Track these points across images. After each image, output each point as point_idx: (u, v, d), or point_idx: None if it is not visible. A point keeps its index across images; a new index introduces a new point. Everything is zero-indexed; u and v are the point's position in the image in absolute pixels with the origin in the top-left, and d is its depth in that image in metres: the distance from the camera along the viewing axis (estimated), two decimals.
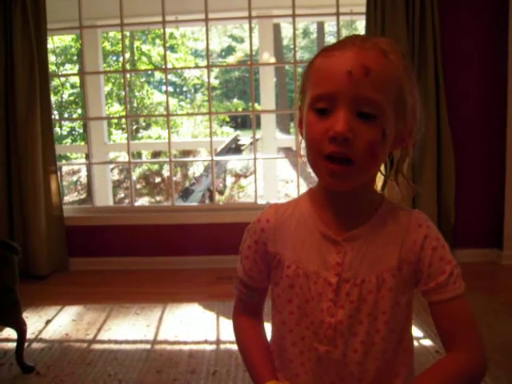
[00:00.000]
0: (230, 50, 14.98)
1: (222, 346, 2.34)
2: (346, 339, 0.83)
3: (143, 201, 8.33)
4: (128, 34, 8.79)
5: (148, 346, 2.38)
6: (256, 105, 4.64)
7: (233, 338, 1.01)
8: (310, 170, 0.94)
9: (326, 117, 0.79)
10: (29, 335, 2.29)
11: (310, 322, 0.86)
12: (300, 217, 0.90)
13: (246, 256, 0.94)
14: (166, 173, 8.43)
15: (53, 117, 3.59)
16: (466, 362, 0.81)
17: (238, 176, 8.89)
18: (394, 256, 0.84)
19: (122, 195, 8.66)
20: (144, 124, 9.88)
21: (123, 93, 4.92)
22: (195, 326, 2.59)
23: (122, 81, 5.22)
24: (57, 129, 8.55)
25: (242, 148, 7.80)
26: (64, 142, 8.89)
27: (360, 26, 10.82)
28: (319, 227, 0.87)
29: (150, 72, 10.82)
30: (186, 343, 2.40)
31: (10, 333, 2.35)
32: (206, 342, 2.40)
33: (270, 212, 0.93)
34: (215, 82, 13.01)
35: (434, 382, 0.79)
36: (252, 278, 0.95)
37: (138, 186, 8.56)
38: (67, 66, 9.54)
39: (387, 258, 0.84)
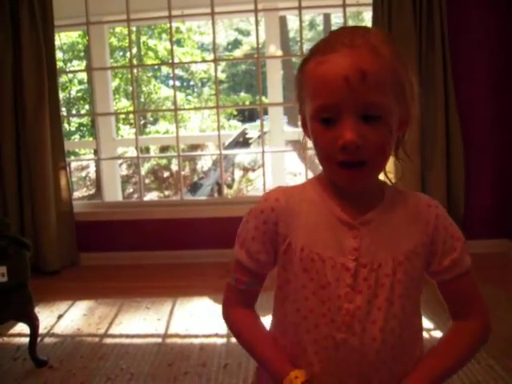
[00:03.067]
0: (236, 44, 14.93)
1: (233, 339, 2.34)
2: (363, 326, 0.82)
3: (152, 195, 8.35)
4: (134, 29, 8.79)
5: (159, 340, 2.40)
6: (263, 98, 4.64)
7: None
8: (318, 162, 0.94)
9: (332, 126, 0.79)
10: (41, 330, 2.31)
11: (326, 308, 0.83)
12: (311, 201, 0.88)
13: (253, 237, 0.89)
14: (174, 167, 8.45)
15: (61, 113, 3.60)
16: (479, 326, 0.89)
17: (246, 169, 8.89)
18: (409, 238, 0.85)
19: (131, 190, 8.69)
20: (152, 119, 9.90)
21: (130, 88, 4.94)
22: (206, 319, 2.60)
23: (129, 76, 5.23)
24: (65, 125, 8.58)
25: (250, 141, 7.80)
26: (72, 137, 8.92)
27: (367, 17, 10.73)
28: (335, 211, 0.85)
29: (156, 67, 10.81)
30: (196, 336, 2.42)
31: (22, 328, 2.37)
32: (216, 335, 2.41)
33: (278, 192, 0.90)
34: (222, 76, 12.98)
35: (460, 348, 0.88)
36: (258, 262, 0.89)
37: (147, 181, 8.58)
38: (74, 62, 9.55)
39: (402, 241, 0.85)
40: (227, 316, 0.96)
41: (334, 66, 0.77)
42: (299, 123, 0.93)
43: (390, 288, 0.83)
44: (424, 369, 0.85)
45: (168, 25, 3.89)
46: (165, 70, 10.62)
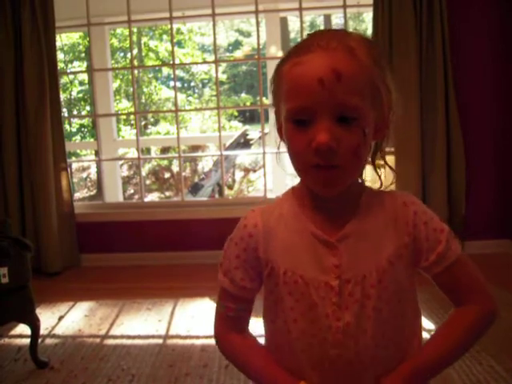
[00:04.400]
0: (237, 45, 14.93)
1: None
2: (356, 339, 0.81)
3: (153, 196, 8.33)
4: (135, 30, 8.79)
5: (160, 341, 2.40)
6: (264, 99, 4.63)
7: None
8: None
9: (306, 128, 0.78)
10: (42, 331, 2.32)
11: (317, 328, 0.82)
12: (288, 219, 0.86)
13: (236, 267, 0.89)
14: (175, 168, 8.43)
15: (62, 114, 3.61)
16: (479, 309, 0.86)
17: (247, 170, 8.87)
18: (390, 243, 0.83)
19: (132, 191, 8.67)
20: (152, 120, 9.90)
21: (131, 89, 4.93)
22: (207, 320, 2.60)
23: (130, 77, 5.23)
24: (66, 126, 8.58)
25: (251, 142, 7.78)
26: (73, 139, 8.93)
27: (367, 19, 10.74)
28: (311, 229, 0.84)
29: (157, 68, 10.81)
30: (198, 337, 2.42)
31: (23, 329, 2.38)
32: None
33: (256, 216, 0.89)
34: (223, 77, 12.97)
35: (457, 332, 0.85)
36: (244, 289, 0.89)
37: (148, 182, 8.57)
38: (75, 63, 9.56)
39: (383, 248, 0.83)
40: (222, 344, 0.94)
41: (308, 67, 0.76)
42: None
43: (376, 297, 0.82)
44: (405, 366, 0.83)
45: (169, 26, 3.90)
46: (166, 71, 10.62)
